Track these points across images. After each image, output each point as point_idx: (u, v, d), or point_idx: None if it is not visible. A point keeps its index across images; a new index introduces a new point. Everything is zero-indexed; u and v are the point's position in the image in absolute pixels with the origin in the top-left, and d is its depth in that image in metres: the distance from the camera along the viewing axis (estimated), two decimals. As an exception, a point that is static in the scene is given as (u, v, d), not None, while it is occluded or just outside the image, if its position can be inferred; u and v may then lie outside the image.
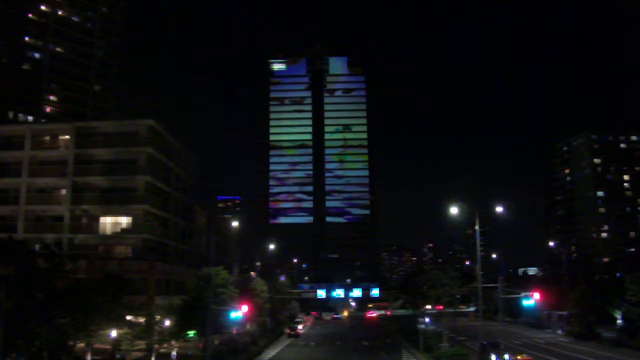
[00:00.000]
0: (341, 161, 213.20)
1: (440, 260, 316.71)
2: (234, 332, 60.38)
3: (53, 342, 36.90)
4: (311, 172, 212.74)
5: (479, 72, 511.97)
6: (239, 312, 47.31)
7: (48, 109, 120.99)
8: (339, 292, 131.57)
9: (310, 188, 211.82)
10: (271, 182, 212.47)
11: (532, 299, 47.78)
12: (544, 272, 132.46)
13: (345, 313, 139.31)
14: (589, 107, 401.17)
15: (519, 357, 44.29)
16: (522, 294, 50.12)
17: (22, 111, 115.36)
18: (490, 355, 44.24)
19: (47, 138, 68.09)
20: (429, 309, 67.60)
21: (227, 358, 47.20)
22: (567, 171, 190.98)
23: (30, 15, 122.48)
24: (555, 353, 52.37)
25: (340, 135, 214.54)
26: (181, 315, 45.92)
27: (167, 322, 45.86)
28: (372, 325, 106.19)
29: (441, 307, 62.52)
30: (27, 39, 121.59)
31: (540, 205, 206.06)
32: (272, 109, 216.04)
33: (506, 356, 42.85)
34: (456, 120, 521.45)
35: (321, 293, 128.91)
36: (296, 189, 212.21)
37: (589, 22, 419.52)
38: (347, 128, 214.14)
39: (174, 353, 46.45)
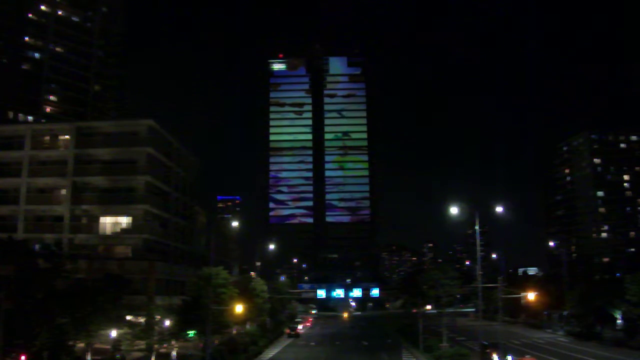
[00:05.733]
0: (341, 161, 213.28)
1: (440, 260, 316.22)
2: (234, 332, 60.37)
3: (53, 342, 36.90)
4: (311, 173, 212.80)
5: (479, 72, 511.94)
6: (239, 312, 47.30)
7: (48, 109, 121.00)
8: (339, 292, 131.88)
9: (310, 188, 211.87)
10: (271, 182, 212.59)
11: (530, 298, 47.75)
12: (544, 272, 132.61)
13: (345, 314, 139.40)
14: (589, 107, 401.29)
15: (522, 359, 44.12)
16: (522, 294, 50.09)
17: (22, 111, 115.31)
18: (492, 356, 44.07)
19: (47, 138, 68.05)
20: (429, 309, 67.54)
21: (227, 358, 47.18)
22: (567, 171, 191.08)
23: (30, 15, 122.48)
24: (555, 353, 52.37)
25: (340, 136, 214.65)
26: (181, 315, 45.88)
27: (167, 322, 45.83)
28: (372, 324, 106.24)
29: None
30: (27, 39, 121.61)
31: (540, 205, 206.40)
32: (272, 109, 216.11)
33: (509, 357, 42.71)
34: (456, 120, 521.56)
35: (321, 293, 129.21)
36: (296, 189, 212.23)
37: (589, 21, 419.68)
38: (346, 135, 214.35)
39: (174, 353, 46.42)
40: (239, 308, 47.39)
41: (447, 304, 56.83)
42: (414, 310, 68.71)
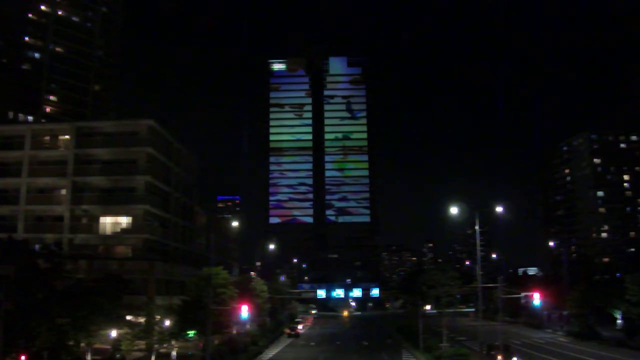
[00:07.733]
0: (341, 162, 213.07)
1: (440, 260, 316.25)
2: (234, 332, 60.39)
3: (53, 342, 36.89)
4: (311, 172, 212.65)
5: (479, 72, 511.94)
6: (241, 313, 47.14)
7: (48, 109, 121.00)
8: (339, 292, 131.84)
9: (310, 188, 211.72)
10: (271, 182, 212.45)
11: (534, 299, 47.38)
12: (544, 272, 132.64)
13: (345, 314, 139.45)
14: (589, 107, 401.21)
15: None
16: (522, 294, 50.00)
17: (22, 111, 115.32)
18: (497, 358, 43.58)
19: (47, 138, 68.09)
20: (428, 309, 67.53)
21: (227, 358, 47.18)
22: (567, 171, 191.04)
23: (30, 15, 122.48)
24: (555, 353, 52.37)
25: (340, 137, 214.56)
26: (181, 315, 45.91)
27: (167, 322, 45.85)
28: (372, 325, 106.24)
29: None
30: (27, 39, 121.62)
31: (540, 205, 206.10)
32: (272, 109, 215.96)
33: (515, 359, 42.38)
34: (456, 120, 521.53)
35: (321, 293, 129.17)
36: (296, 189, 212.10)
37: (588, 21, 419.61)
38: (346, 135, 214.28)
39: (174, 353, 46.44)
40: (244, 309, 46.47)
41: (447, 304, 56.82)
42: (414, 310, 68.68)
